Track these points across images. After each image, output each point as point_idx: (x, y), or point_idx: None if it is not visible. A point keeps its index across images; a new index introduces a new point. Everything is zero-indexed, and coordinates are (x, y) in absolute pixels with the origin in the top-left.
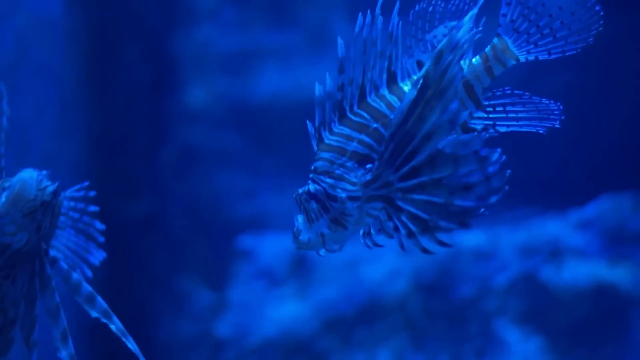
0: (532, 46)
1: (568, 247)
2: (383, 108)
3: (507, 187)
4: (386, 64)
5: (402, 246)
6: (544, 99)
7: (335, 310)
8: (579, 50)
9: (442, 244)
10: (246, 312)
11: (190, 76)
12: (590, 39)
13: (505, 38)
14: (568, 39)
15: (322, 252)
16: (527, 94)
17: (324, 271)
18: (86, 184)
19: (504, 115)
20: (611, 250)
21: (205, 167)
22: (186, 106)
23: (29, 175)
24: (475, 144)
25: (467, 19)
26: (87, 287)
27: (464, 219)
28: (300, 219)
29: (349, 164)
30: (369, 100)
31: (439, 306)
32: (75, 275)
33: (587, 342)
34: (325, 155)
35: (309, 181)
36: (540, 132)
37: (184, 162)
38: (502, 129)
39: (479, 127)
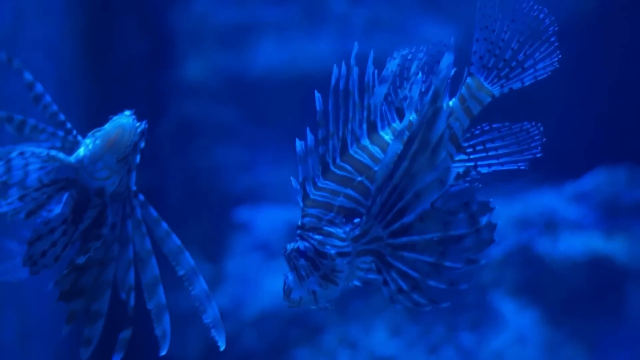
0: (504, 80)
1: (563, 219)
2: (366, 160)
3: (496, 239)
4: (365, 113)
5: (391, 300)
6: (524, 124)
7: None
8: (550, 72)
9: (433, 302)
10: (243, 284)
11: (188, 50)
12: (556, 64)
13: (478, 76)
14: (536, 67)
15: (315, 307)
16: (506, 124)
17: None
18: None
19: (485, 154)
20: (606, 223)
21: (203, 141)
22: (183, 80)
23: (127, 121)
24: (466, 197)
25: (444, 67)
26: (177, 240)
27: (453, 280)
28: (290, 276)
29: (337, 220)
30: (351, 152)
31: None
32: (164, 225)
33: (582, 314)
34: (312, 211)
35: (297, 238)
36: (522, 167)
37: (181, 136)
38: (484, 170)
39: (461, 170)
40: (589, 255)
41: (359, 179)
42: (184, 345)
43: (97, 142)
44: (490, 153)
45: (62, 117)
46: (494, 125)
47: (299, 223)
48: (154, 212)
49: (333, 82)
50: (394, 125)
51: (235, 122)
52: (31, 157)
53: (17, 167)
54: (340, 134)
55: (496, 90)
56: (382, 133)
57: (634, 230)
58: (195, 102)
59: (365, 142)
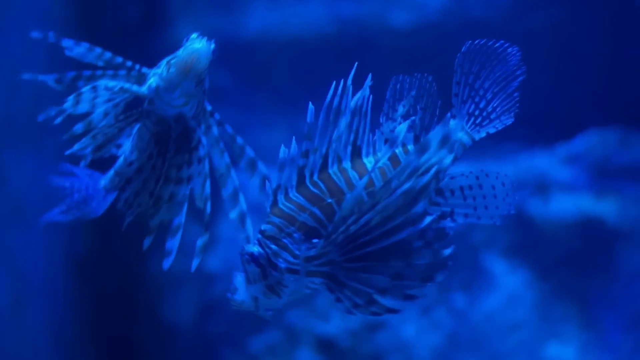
0: (479, 127)
1: (555, 181)
2: (342, 183)
3: (451, 264)
4: (352, 137)
5: (348, 312)
6: (499, 174)
7: None
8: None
9: (390, 311)
10: (235, 247)
11: (179, 13)
12: (516, 110)
13: (459, 119)
14: (503, 114)
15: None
16: (484, 172)
17: None
18: None
19: (462, 200)
20: (598, 184)
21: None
22: (175, 43)
23: (201, 45)
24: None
25: (437, 132)
26: (250, 152)
27: (408, 295)
28: (239, 277)
29: (295, 235)
30: (330, 171)
31: None
32: (240, 140)
33: (573, 274)
34: (276, 220)
35: (256, 241)
36: (497, 223)
37: None
38: (460, 220)
39: (435, 215)
40: (580, 217)
41: (329, 200)
42: (177, 306)
43: (172, 70)
44: (468, 201)
45: (119, 59)
46: (472, 172)
47: (261, 228)
48: (229, 129)
49: (328, 99)
50: (379, 155)
51: (227, 85)
52: (101, 90)
53: (86, 99)
54: (324, 151)
55: (477, 135)
56: (365, 160)
57: (624, 191)
58: None
59: (347, 164)
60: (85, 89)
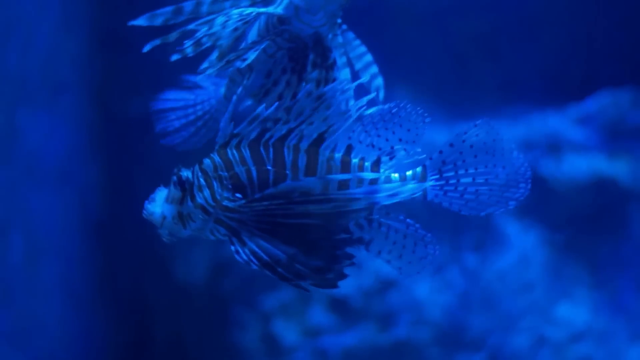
0: (441, 192)
1: (567, 141)
2: (288, 160)
3: (335, 284)
4: (324, 129)
5: (246, 264)
6: (427, 237)
7: None
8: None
9: (283, 278)
10: None
11: None
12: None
13: (429, 172)
14: (476, 203)
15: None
16: (415, 226)
17: None
18: None
19: (384, 238)
20: (610, 145)
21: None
22: None
23: None
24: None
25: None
26: (370, 56)
27: (299, 277)
28: (162, 191)
29: (225, 182)
30: (285, 143)
31: None
32: (363, 47)
33: (586, 235)
34: (217, 159)
35: (193, 168)
36: (400, 277)
37: (187, 58)
38: (372, 254)
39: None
40: (592, 177)
41: (269, 168)
42: (189, 266)
43: None
44: (389, 239)
45: None
46: (408, 220)
47: (203, 159)
48: (351, 34)
49: (327, 87)
50: (337, 156)
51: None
52: (235, 15)
53: (217, 24)
54: (293, 126)
55: (431, 194)
56: (320, 152)
57: (637, 152)
58: None
59: (303, 146)
60: (220, 18)
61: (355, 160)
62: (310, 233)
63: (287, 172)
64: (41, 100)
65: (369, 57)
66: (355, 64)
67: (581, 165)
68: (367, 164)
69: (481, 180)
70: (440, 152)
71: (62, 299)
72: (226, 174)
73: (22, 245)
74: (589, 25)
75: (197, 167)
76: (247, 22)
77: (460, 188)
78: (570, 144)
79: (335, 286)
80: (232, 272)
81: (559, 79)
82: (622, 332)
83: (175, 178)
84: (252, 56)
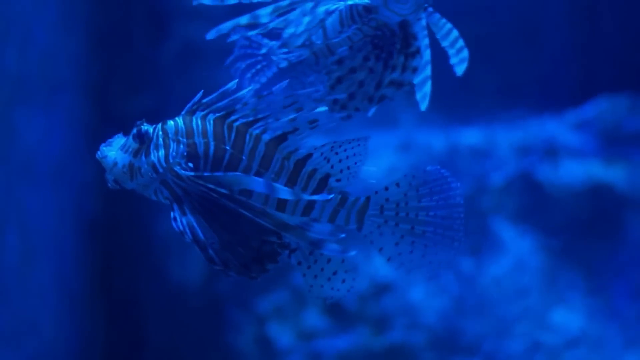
0: (378, 232)
1: (564, 147)
2: (246, 147)
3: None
4: (289, 129)
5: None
6: (349, 275)
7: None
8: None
9: (211, 260)
10: None
11: None
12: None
13: (371, 205)
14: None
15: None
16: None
17: None
18: None
19: (306, 254)
20: (607, 150)
21: (206, 64)
22: (187, 1)
23: None
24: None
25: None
26: (456, 32)
27: (226, 265)
28: (119, 138)
29: (182, 147)
30: (249, 130)
31: None
32: (449, 25)
33: (582, 241)
34: (180, 123)
35: (155, 125)
36: (310, 294)
37: (184, 58)
38: (293, 262)
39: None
40: (589, 183)
41: (228, 149)
42: (184, 266)
43: None
44: (310, 260)
45: None
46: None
47: (167, 120)
48: (437, 15)
49: (305, 92)
50: (293, 158)
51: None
52: (321, 14)
53: (304, 24)
54: (259, 117)
55: (366, 227)
56: (280, 148)
57: (634, 158)
58: (199, 24)
59: (265, 138)
60: (306, 18)
61: (308, 169)
62: (245, 227)
63: (243, 157)
64: (38, 99)
65: (455, 33)
66: (442, 42)
67: (578, 170)
68: (317, 176)
69: (419, 232)
70: (386, 188)
71: (57, 299)
72: (185, 140)
73: (17, 244)
74: (587, 31)
75: (159, 125)
76: (331, 13)
77: (397, 234)
78: (567, 150)
79: (256, 279)
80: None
81: (556, 84)
82: (617, 338)
83: (135, 130)
84: (339, 48)
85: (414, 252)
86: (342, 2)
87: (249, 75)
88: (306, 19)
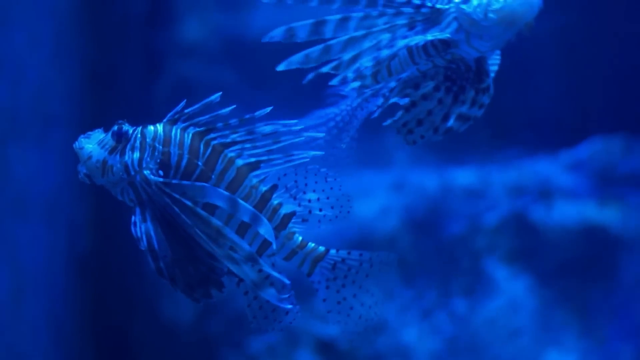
0: (324, 285)
1: (558, 188)
2: (218, 167)
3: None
4: (264, 159)
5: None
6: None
7: (325, 245)
8: None
9: (160, 272)
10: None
11: (185, 9)
12: None
13: (326, 258)
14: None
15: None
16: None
17: None
18: None
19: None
20: (601, 191)
21: (199, 101)
22: (181, 40)
23: None
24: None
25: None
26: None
27: (173, 281)
28: (100, 133)
29: (156, 153)
30: (225, 152)
31: (429, 243)
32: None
33: (575, 282)
34: (159, 130)
35: (135, 127)
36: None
37: (178, 96)
38: (225, 282)
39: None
40: (582, 224)
41: (200, 165)
42: (177, 305)
43: (494, 18)
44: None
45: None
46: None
47: (148, 125)
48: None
49: (295, 123)
50: (261, 188)
51: (233, 83)
52: (401, 46)
53: (384, 56)
54: (237, 139)
55: (316, 275)
56: (250, 177)
57: (628, 199)
58: (192, 62)
59: (238, 163)
60: (385, 51)
61: (274, 202)
62: (198, 248)
63: (213, 176)
64: (32, 135)
65: (494, 68)
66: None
67: (572, 211)
68: (282, 211)
69: (359, 295)
70: (349, 252)
71: (48, 335)
72: (161, 148)
73: (8, 280)
74: (582, 71)
75: (139, 128)
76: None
77: (342, 293)
78: (561, 190)
79: (198, 302)
80: (219, 312)
81: (550, 125)
82: None
83: (116, 128)
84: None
85: (350, 315)
86: (420, 37)
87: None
88: (385, 52)
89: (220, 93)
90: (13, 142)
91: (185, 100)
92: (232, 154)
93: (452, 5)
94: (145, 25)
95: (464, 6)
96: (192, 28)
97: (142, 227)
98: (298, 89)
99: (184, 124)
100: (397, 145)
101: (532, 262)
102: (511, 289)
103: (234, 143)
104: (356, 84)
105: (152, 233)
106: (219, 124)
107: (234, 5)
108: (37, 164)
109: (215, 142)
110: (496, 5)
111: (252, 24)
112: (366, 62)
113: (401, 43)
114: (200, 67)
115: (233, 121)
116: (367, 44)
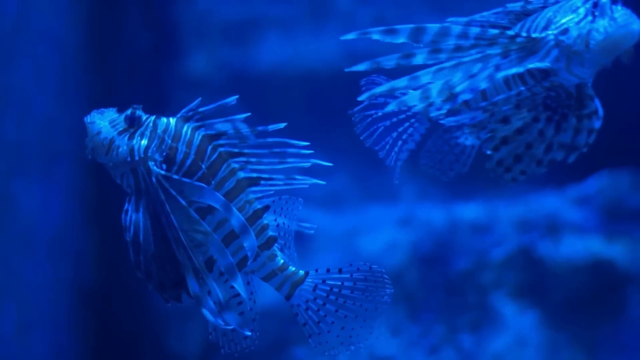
0: (304, 307)
1: (566, 223)
2: (220, 174)
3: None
4: (266, 176)
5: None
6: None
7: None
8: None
9: (137, 266)
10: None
11: (192, 44)
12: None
13: (307, 280)
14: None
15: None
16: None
17: (322, 241)
18: None
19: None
20: (609, 227)
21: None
22: (187, 74)
23: (637, 25)
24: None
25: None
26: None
27: (148, 276)
28: (114, 112)
29: (163, 146)
30: (229, 161)
31: (435, 278)
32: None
33: (583, 318)
34: (172, 125)
35: (149, 115)
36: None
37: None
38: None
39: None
40: (590, 259)
41: (203, 168)
42: (183, 340)
43: (595, 46)
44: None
45: (494, 31)
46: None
47: (163, 117)
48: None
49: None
50: (255, 205)
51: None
52: (500, 77)
53: (481, 80)
54: (244, 152)
55: (296, 298)
56: (247, 189)
57: (635, 234)
58: (198, 96)
59: (239, 175)
60: (483, 74)
61: (263, 221)
62: (180, 251)
63: (213, 182)
64: (37, 170)
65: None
66: None
67: (579, 246)
68: (269, 232)
69: (341, 315)
70: (327, 270)
71: None
72: (169, 142)
73: (14, 314)
74: None
75: (153, 118)
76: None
77: (321, 313)
78: (568, 225)
79: (167, 302)
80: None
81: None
82: None
83: (130, 111)
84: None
85: (331, 332)
86: (519, 67)
87: (394, 134)
88: (483, 84)
89: (237, 96)
90: (19, 177)
91: (200, 99)
92: (236, 165)
93: (549, 33)
94: (152, 59)
95: (562, 37)
96: (199, 62)
97: (132, 217)
98: (304, 124)
99: (196, 124)
100: (404, 180)
101: (539, 297)
102: (518, 325)
103: (241, 154)
104: (420, 107)
105: (141, 225)
106: (231, 131)
107: (241, 40)
108: (43, 198)
109: (222, 149)
110: (598, 37)
111: (259, 59)
112: (460, 87)
113: (500, 74)
114: (207, 101)
115: (245, 130)
116: (458, 75)
